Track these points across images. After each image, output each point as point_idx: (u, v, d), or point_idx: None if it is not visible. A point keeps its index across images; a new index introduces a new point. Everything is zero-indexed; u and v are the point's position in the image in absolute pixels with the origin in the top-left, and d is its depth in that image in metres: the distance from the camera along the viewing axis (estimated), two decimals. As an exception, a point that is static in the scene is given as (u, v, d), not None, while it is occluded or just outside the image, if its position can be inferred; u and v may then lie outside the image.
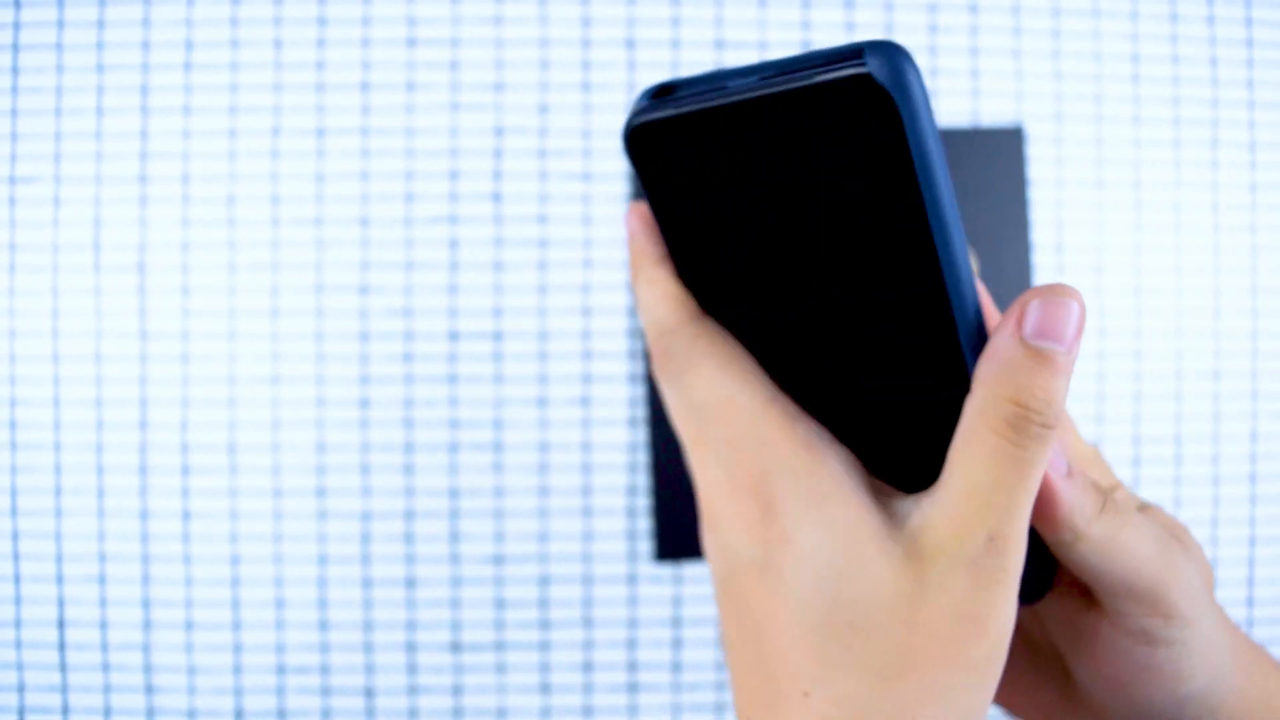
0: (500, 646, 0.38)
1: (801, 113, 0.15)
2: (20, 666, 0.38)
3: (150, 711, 0.38)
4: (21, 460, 0.38)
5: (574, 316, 0.38)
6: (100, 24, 0.38)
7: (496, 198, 0.38)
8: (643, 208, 0.20)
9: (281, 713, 0.38)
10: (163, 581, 0.38)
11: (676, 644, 0.38)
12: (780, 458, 0.17)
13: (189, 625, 0.38)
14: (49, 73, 0.38)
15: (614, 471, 0.38)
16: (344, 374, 0.38)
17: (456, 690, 0.38)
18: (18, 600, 0.38)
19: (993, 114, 0.39)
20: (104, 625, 0.38)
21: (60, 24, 0.38)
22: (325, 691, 0.38)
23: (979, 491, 0.16)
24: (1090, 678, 0.20)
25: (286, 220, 0.38)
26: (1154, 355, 0.39)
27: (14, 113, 0.38)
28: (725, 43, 0.38)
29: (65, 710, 0.38)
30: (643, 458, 0.38)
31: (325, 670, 0.38)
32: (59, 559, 0.38)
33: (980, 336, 0.17)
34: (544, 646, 0.38)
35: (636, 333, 0.38)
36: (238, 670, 0.38)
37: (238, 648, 0.38)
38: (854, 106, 0.14)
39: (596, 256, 0.38)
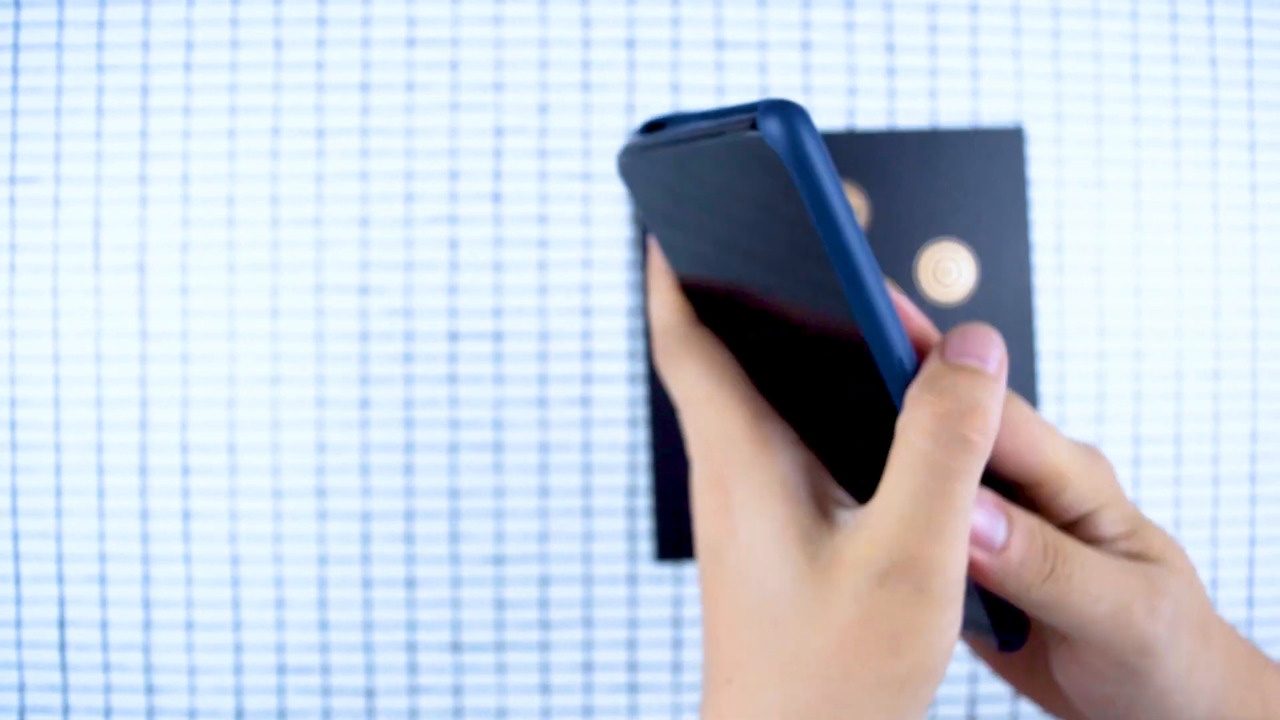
0: (500, 646, 0.38)
1: (717, 162, 0.16)
2: (20, 666, 0.38)
3: (150, 711, 0.38)
4: (21, 460, 0.38)
5: (574, 316, 0.38)
6: (100, 24, 0.38)
7: (496, 198, 0.38)
8: None
9: (281, 713, 0.38)
10: (163, 581, 0.38)
11: (677, 644, 0.38)
12: (740, 455, 0.18)
13: (189, 625, 0.38)
14: (49, 73, 0.38)
15: (614, 471, 0.38)
16: (344, 374, 0.38)
17: (456, 690, 0.38)
18: (18, 600, 0.38)
19: (993, 114, 0.39)
20: (104, 625, 0.38)
21: (60, 24, 0.38)
22: (325, 691, 0.38)
23: (897, 507, 0.16)
24: (1077, 698, 0.20)
25: (286, 220, 0.38)
26: (1154, 355, 0.39)
27: (14, 113, 0.38)
28: (725, 43, 0.38)
29: (65, 710, 0.38)
30: (643, 458, 0.38)
31: (325, 670, 0.38)
32: (59, 559, 0.38)
33: (911, 371, 0.17)
34: (544, 647, 0.38)
35: (636, 333, 0.38)
36: (238, 670, 0.38)
37: (238, 648, 0.38)
38: (754, 163, 0.15)
39: (596, 256, 0.38)
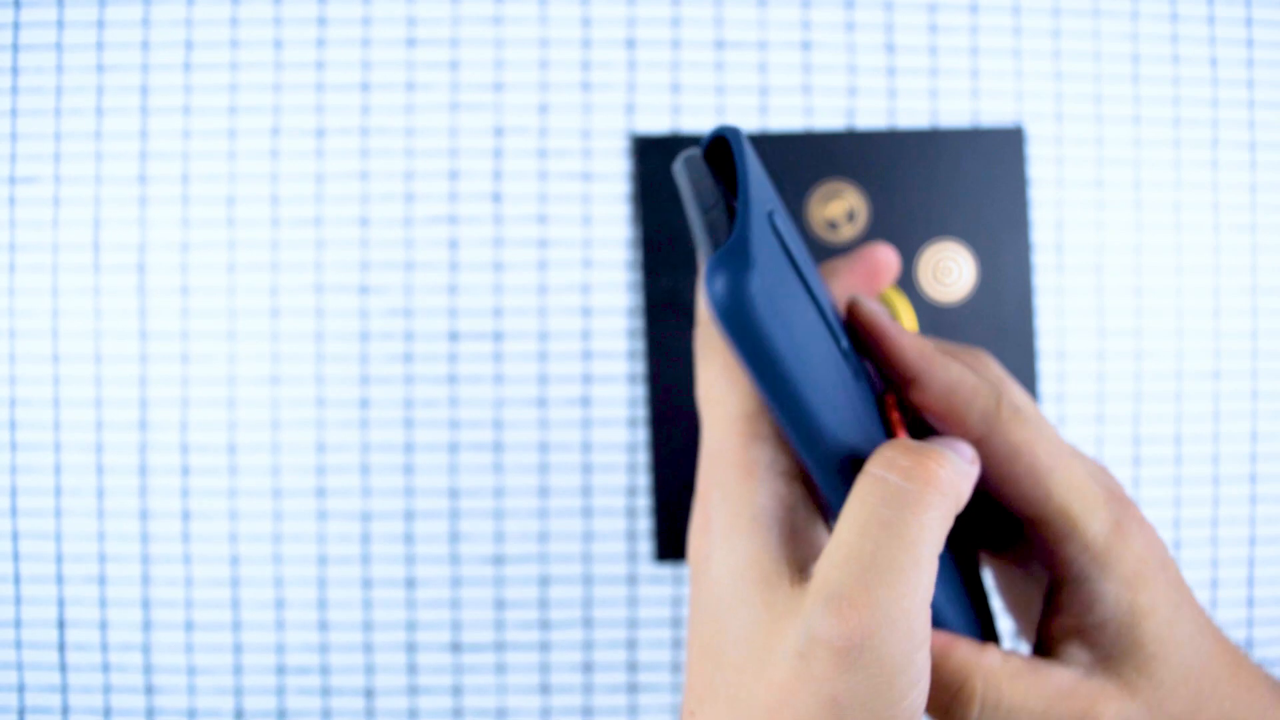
0: (500, 647, 0.38)
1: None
2: (20, 666, 0.38)
3: (150, 711, 0.38)
4: (21, 460, 0.38)
5: (574, 316, 0.38)
6: (100, 24, 0.38)
7: (496, 198, 0.38)
8: None
9: (281, 713, 0.38)
10: (162, 582, 0.38)
11: (677, 644, 0.38)
12: (725, 476, 0.17)
13: (189, 625, 0.38)
14: (49, 73, 0.38)
15: (614, 471, 0.38)
16: (344, 374, 0.38)
17: (456, 690, 0.38)
18: (18, 600, 0.38)
19: (993, 114, 0.39)
20: (104, 625, 0.38)
21: (60, 24, 0.38)
22: (325, 692, 0.38)
23: (844, 544, 0.15)
24: None
25: (286, 220, 0.38)
26: (1154, 355, 0.39)
27: (14, 113, 0.38)
28: (725, 43, 0.38)
29: (65, 710, 0.38)
30: (643, 458, 0.38)
31: (325, 670, 0.38)
32: (59, 559, 0.38)
33: (850, 463, 0.17)
34: (544, 647, 0.38)
35: (636, 333, 0.38)
36: (238, 670, 0.38)
37: (238, 648, 0.38)
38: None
39: (596, 256, 0.38)
